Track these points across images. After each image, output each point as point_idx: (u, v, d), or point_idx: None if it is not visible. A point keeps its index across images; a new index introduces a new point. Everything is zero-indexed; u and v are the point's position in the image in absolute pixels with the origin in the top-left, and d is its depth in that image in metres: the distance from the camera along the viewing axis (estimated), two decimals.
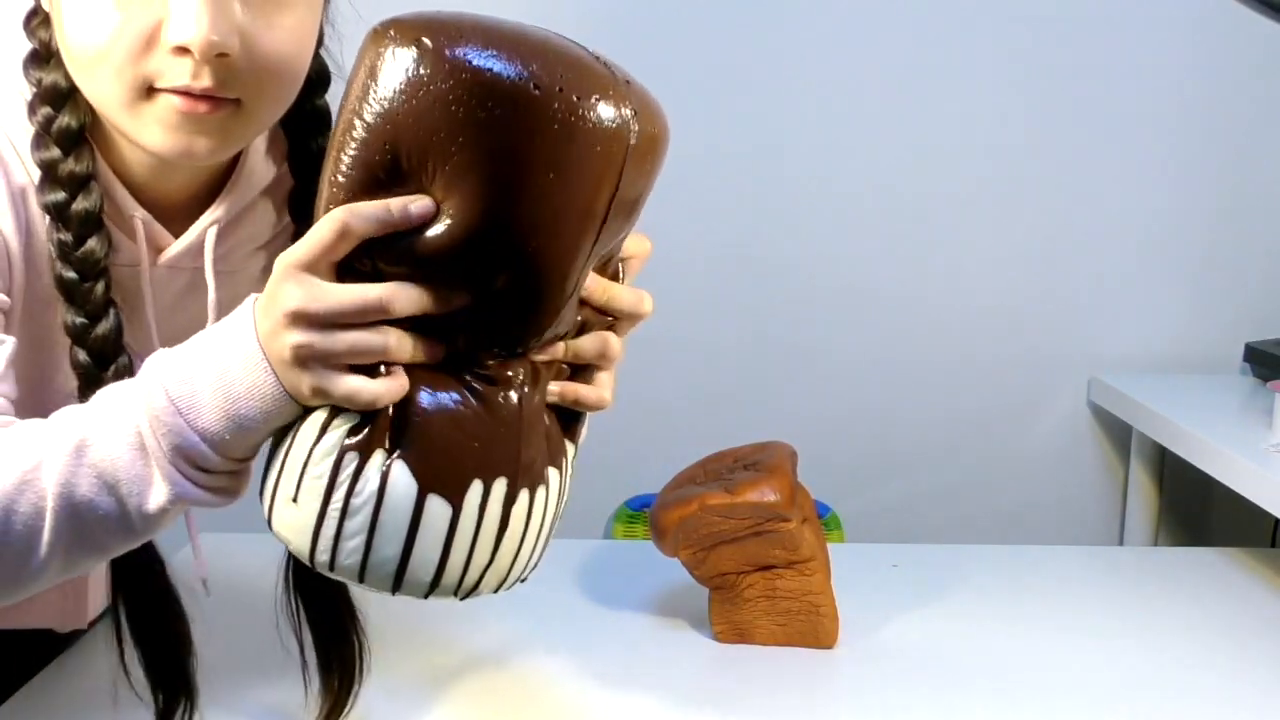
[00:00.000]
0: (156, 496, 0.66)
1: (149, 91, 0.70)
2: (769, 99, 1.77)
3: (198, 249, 0.82)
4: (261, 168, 0.84)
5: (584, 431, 0.74)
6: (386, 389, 0.62)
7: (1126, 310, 1.82)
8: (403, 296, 0.62)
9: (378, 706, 0.94)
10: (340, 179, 0.63)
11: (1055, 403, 1.85)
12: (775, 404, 1.82)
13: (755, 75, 1.76)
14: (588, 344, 0.69)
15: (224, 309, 0.76)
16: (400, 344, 0.63)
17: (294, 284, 0.62)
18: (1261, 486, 1.25)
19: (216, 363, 0.64)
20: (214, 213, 0.81)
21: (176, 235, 0.81)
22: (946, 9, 1.74)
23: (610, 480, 1.85)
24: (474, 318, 0.64)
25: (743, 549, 1.03)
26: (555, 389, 0.69)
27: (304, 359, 0.62)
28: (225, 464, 0.66)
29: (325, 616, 0.85)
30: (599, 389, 0.70)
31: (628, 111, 0.63)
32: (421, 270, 0.62)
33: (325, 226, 0.61)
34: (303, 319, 0.62)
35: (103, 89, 0.71)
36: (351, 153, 0.62)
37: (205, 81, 0.69)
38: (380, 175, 0.62)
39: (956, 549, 1.31)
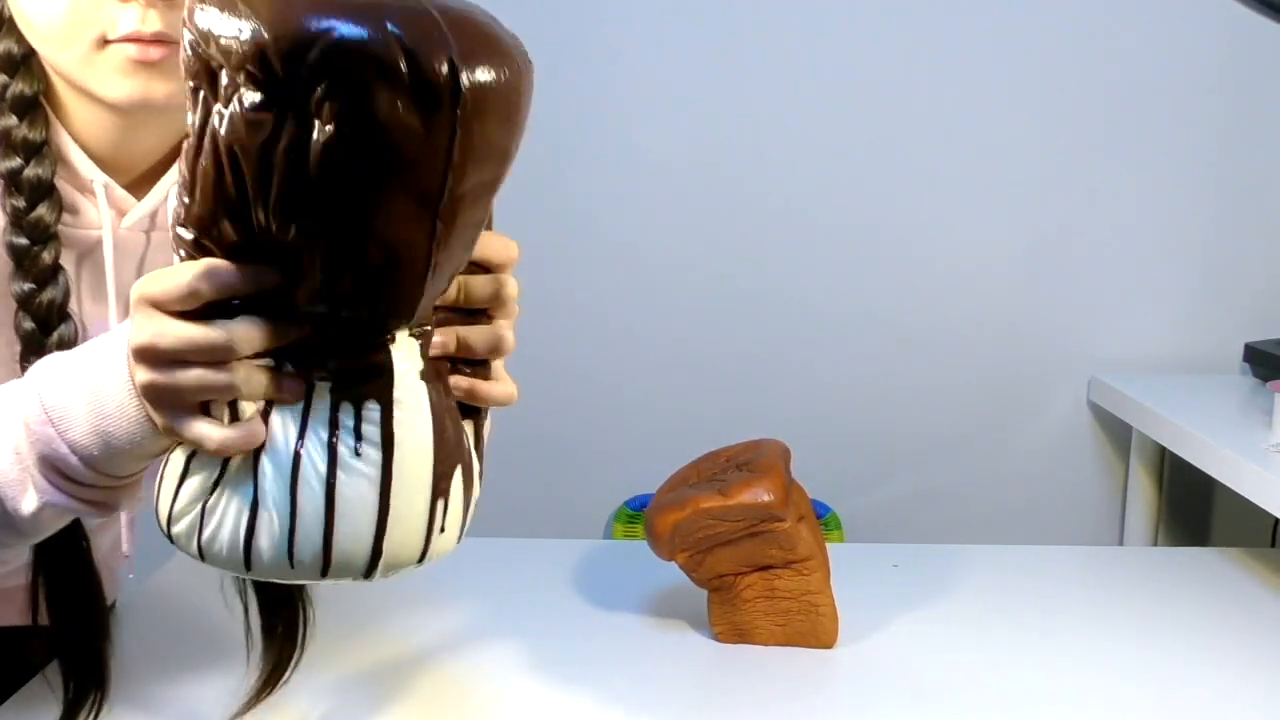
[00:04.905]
0: (28, 502, 0.66)
1: (103, 44, 0.72)
2: (766, 100, 1.77)
3: (161, 210, 0.82)
4: None
5: (489, 424, 0.72)
6: (237, 437, 0.59)
7: (1126, 310, 1.82)
8: (249, 334, 0.58)
9: (374, 711, 0.94)
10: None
11: (1055, 403, 1.85)
12: (776, 403, 1.82)
13: (751, 79, 1.76)
14: (478, 336, 0.66)
15: None
16: (251, 380, 0.59)
17: (143, 318, 0.60)
18: (1261, 486, 1.25)
19: (91, 378, 0.64)
20: (174, 173, 0.81)
21: (139, 199, 0.82)
22: (945, 11, 1.74)
23: (610, 480, 1.85)
24: (329, 329, 0.59)
25: (739, 550, 1.03)
26: (463, 385, 0.66)
27: (152, 397, 0.60)
28: (97, 478, 0.66)
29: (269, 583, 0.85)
30: (503, 384, 0.68)
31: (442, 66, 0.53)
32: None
33: (183, 278, 0.59)
34: (148, 355, 0.59)
35: (59, 49, 0.73)
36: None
37: (154, 26, 0.71)
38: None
39: (956, 549, 1.31)
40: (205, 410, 0.60)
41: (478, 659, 1.03)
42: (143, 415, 0.63)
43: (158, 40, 0.72)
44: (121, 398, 0.63)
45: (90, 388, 0.64)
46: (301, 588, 0.87)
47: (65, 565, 0.77)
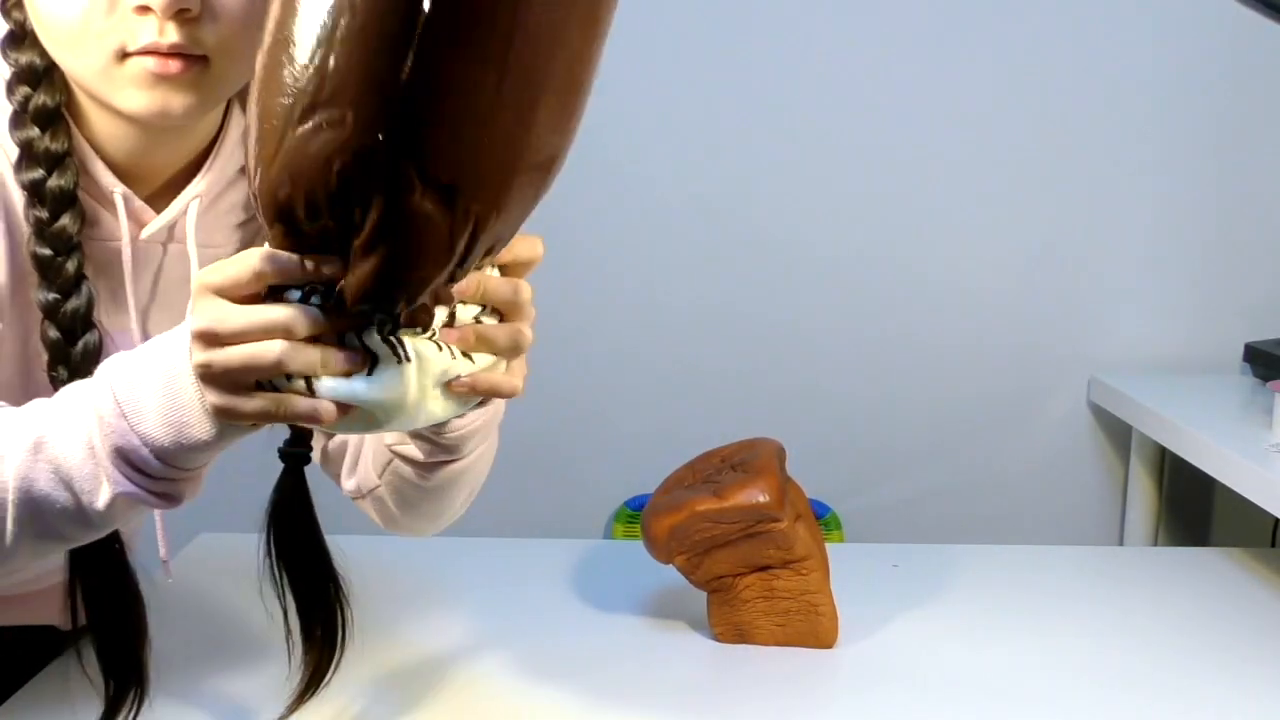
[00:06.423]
0: (103, 495, 0.68)
1: (122, 57, 0.73)
2: (770, 94, 1.77)
3: (180, 224, 0.83)
4: (239, 145, 0.85)
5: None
6: (297, 403, 0.64)
7: (1126, 310, 1.82)
8: (304, 318, 0.63)
9: (368, 706, 0.94)
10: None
11: (1055, 403, 1.85)
12: (776, 403, 1.82)
13: (756, 65, 1.76)
14: (499, 334, 0.69)
15: None
16: (299, 356, 0.63)
17: (206, 304, 0.64)
18: (1261, 486, 1.25)
19: (163, 371, 0.66)
20: (196, 186, 0.83)
21: (159, 212, 0.83)
22: (942, 15, 1.74)
23: (610, 480, 1.85)
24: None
25: (736, 551, 1.02)
26: (467, 380, 0.68)
27: (208, 377, 0.64)
28: (168, 470, 0.67)
29: (307, 581, 0.85)
30: (512, 378, 0.71)
31: None
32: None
33: (244, 265, 0.63)
34: (208, 338, 0.63)
35: (78, 59, 0.74)
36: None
37: (172, 38, 0.72)
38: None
39: (956, 549, 1.31)
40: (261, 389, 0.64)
41: (477, 659, 1.03)
42: (202, 409, 0.65)
43: (176, 53, 0.72)
44: (195, 388, 0.65)
45: (163, 380, 0.66)
46: (339, 591, 0.87)
47: (101, 565, 0.78)
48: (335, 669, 0.87)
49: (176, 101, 0.74)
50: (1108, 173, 1.79)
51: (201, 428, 0.66)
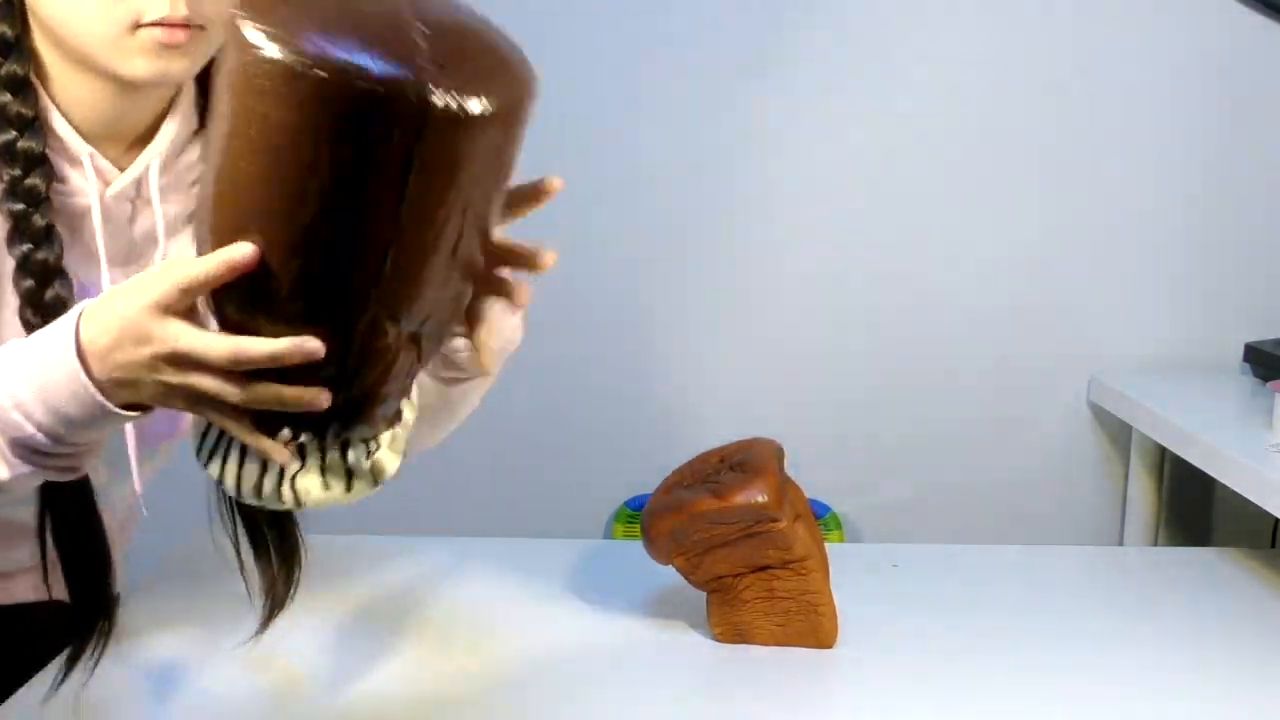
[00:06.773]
0: (1, 472, 0.71)
1: (134, 28, 0.78)
2: (767, 93, 1.77)
3: (143, 179, 0.88)
4: (193, 109, 0.91)
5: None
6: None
7: (1126, 310, 1.82)
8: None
9: (366, 704, 0.94)
10: None
11: (1055, 403, 1.85)
12: (776, 402, 1.82)
13: (753, 69, 1.76)
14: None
15: (169, 231, 0.89)
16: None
17: (170, 326, 0.65)
18: (1261, 486, 1.25)
19: (42, 370, 0.69)
20: (157, 145, 0.88)
21: (122, 170, 0.88)
22: (947, 8, 1.74)
23: (610, 480, 1.85)
24: None
25: (736, 552, 1.02)
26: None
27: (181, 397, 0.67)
28: (62, 448, 0.71)
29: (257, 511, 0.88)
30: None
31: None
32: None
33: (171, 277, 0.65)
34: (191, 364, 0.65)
35: (88, 28, 0.79)
36: None
37: (182, 10, 0.78)
38: None
39: (956, 549, 1.31)
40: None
41: (477, 658, 1.03)
42: (94, 399, 0.68)
43: (183, 25, 0.78)
44: (73, 386, 0.68)
45: (41, 380, 0.69)
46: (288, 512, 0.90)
47: (69, 501, 0.83)
48: (297, 585, 0.91)
49: (177, 67, 0.80)
50: (1108, 173, 1.79)
51: (87, 417, 0.69)
